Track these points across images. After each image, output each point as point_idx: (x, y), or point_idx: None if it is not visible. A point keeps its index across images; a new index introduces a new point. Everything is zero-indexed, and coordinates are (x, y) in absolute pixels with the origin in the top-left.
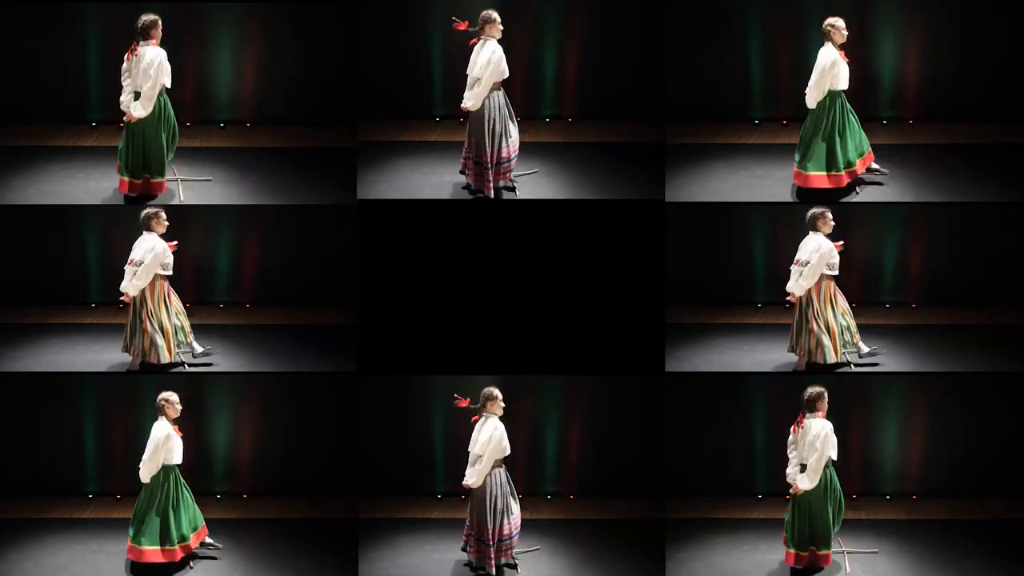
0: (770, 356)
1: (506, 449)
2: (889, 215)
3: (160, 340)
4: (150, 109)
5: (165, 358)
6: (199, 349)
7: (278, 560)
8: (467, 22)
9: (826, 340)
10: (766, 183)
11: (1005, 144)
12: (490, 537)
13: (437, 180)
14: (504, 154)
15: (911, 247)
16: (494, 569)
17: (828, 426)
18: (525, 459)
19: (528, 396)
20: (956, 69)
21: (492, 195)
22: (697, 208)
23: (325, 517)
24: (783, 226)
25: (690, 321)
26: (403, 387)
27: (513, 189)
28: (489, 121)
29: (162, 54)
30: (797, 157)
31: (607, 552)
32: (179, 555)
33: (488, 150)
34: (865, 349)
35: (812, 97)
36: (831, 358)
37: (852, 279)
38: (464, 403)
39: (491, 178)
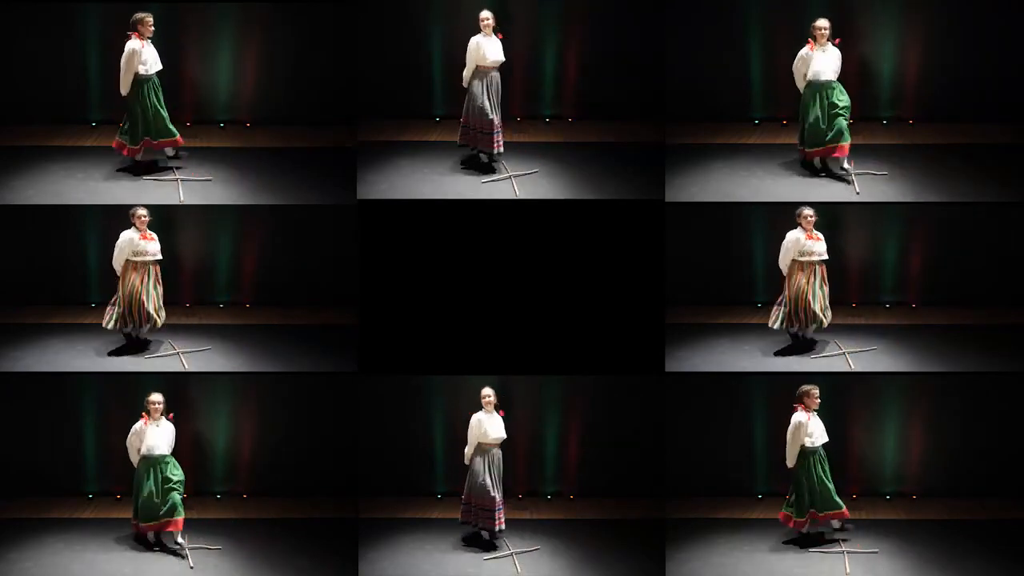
0: (770, 356)
1: (485, 434)
2: (889, 215)
3: (115, 311)
4: (125, 91)
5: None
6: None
7: (278, 560)
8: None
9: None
10: (766, 183)
11: (1005, 144)
12: (470, 500)
13: (437, 180)
14: (484, 127)
15: (911, 247)
16: (471, 525)
17: (798, 418)
18: (525, 459)
19: (528, 396)
20: (956, 69)
21: (489, 154)
22: (697, 208)
23: (325, 517)
24: (783, 226)
25: (690, 321)
26: (403, 387)
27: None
28: (474, 97)
29: (132, 45)
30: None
31: (607, 552)
32: (169, 527)
33: (478, 119)
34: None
35: (798, 81)
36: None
37: (852, 279)
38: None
39: (490, 139)
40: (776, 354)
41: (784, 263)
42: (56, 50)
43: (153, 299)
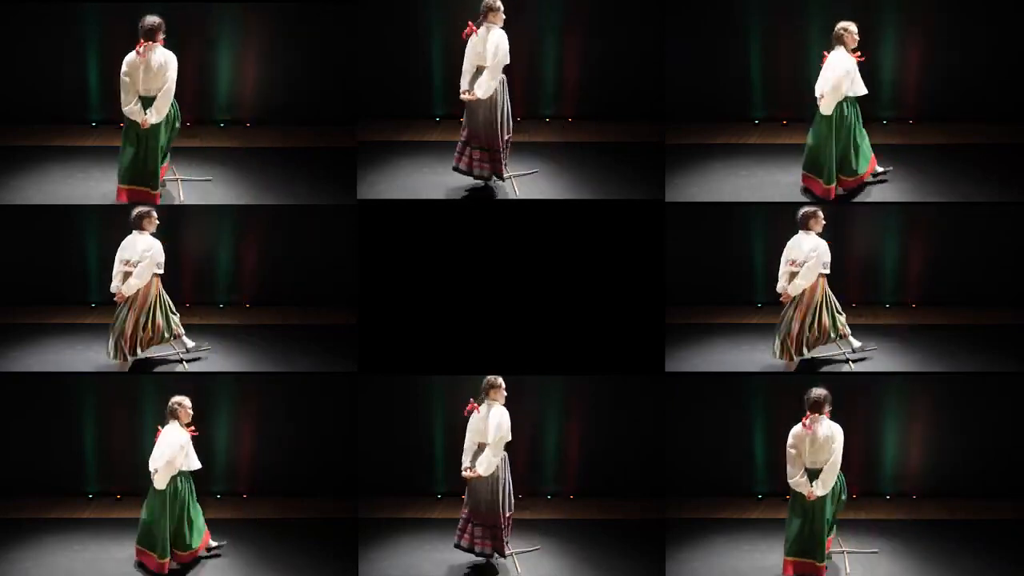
0: (770, 356)
1: (509, 435)
2: (889, 215)
3: (146, 332)
4: (159, 118)
5: (152, 347)
6: (191, 344)
7: (278, 560)
8: (471, 24)
9: (813, 336)
10: (766, 183)
11: (1005, 144)
12: (503, 520)
13: (437, 180)
14: (507, 137)
15: (911, 247)
16: (510, 550)
17: (834, 427)
18: (525, 459)
19: (528, 396)
20: (956, 69)
21: (504, 177)
22: (697, 208)
23: (325, 517)
24: (783, 226)
25: (690, 321)
26: (403, 387)
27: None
28: (498, 106)
29: (174, 56)
30: (808, 164)
31: (607, 552)
32: (187, 559)
33: (499, 133)
34: (856, 344)
35: (827, 103)
36: (816, 350)
37: (852, 279)
38: (474, 407)
39: (503, 159)
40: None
41: (812, 275)
42: (56, 50)
43: (174, 317)
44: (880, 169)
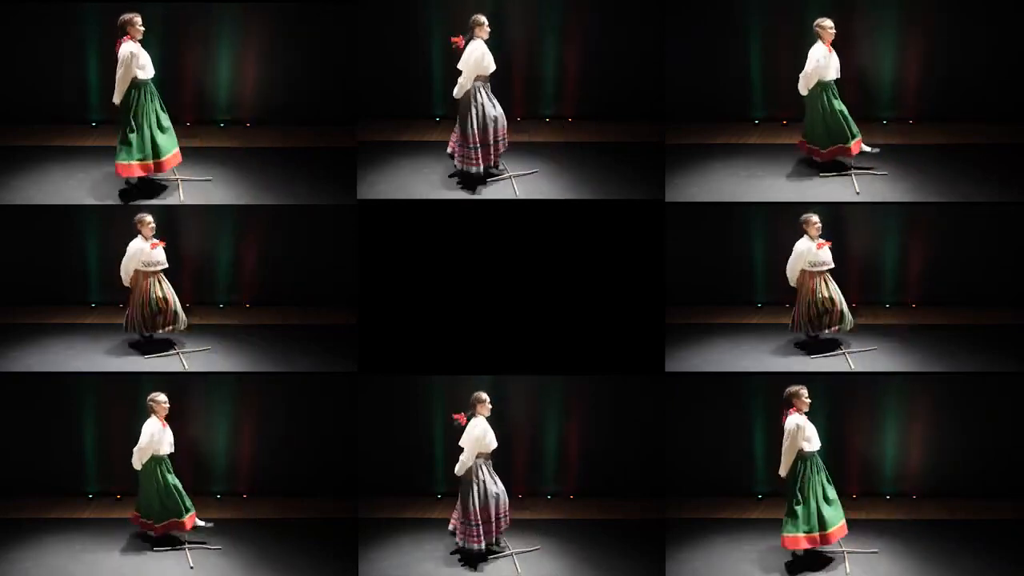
0: (770, 356)
1: (490, 444)
2: (889, 215)
3: (139, 319)
4: (118, 99)
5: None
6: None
7: (278, 560)
8: (461, 37)
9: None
10: (766, 183)
11: (1005, 144)
12: (474, 517)
13: (437, 180)
14: (498, 135)
15: (911, 247)
16: (483, 544)
17: (795, 420)
18: (525, 459)
19: (528, 396)
20: (956, 69)
21: (490, 167)
22: (697, 208)
23: (325, 517)
24: (783, 226)
25: (690, 321)
26: (403, 387)
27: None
28: (472, 108)
29: (132, 48)
30: (809, 139)
31: (607, 552)
32: (192, 521)
33: (478, 132)
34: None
35: (803, 85)
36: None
37: (852, 279)
38: (461, 418)
39: (491, 154)
40: (775, 354)
41: (793, 273)
42: (56, 50)
43: (177, 300)
44: (867, 148)
